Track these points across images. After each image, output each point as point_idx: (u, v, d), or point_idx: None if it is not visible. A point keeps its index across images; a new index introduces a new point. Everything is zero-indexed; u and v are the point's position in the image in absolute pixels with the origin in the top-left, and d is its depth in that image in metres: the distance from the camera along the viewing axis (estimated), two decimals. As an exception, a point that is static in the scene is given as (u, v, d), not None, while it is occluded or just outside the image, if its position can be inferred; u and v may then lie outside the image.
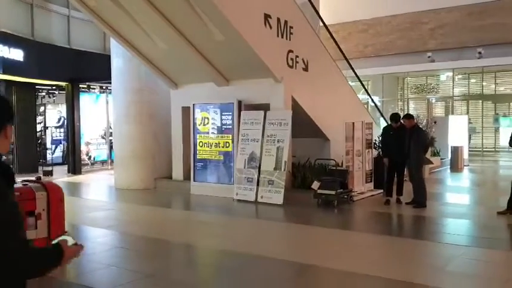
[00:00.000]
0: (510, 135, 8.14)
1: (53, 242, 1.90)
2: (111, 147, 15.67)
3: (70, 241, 1.96)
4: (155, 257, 6.16)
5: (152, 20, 9.09)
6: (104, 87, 16.21)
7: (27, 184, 5.96)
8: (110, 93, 14.22)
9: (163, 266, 5.67)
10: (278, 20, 9.71)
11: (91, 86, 16.10)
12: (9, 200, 1.75)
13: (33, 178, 6.17)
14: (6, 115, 1.84)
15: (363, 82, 15.64)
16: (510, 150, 9.83)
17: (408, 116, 9.33)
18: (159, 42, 9.84)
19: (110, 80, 12.11)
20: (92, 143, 16.64)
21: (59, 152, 16.96)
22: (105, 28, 10.12)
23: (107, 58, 12.40)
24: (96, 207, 9.57)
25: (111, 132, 15.34)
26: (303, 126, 10.21)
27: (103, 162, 16.97)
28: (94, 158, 16.80)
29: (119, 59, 11.56)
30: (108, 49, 13.29)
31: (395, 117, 9.29)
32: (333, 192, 8.93)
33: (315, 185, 9.04)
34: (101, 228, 7.58)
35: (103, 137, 16.91)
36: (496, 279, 5.12)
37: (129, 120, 11.49)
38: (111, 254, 6.23)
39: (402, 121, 9.19)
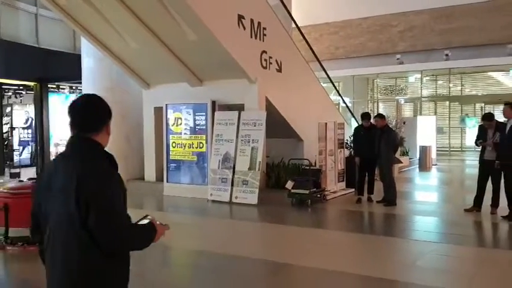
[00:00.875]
0: (476, 134, 8.41)
1: (143, 222, 2.20)
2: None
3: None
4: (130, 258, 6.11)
5: (124, 20, 9.01)
6: (74, 87, 15.94)
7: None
8: (80, 93, 14.00)
9: (137, 268, 5.62)
10: (252, 21, 9.77)
11: (60, 86, 15.80)
12: (121, 183, 2.12)
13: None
14: (107, 113, 2.24)
15: (334, 83, 15.86)
16: (476, 149, 10.15)
17: (380, 116, 9.56)
18: (131, 41, 9.76)
19: (81, 79, 11.93)
20: (61, 144, 16.33)
21: (26, 154, 16.56)
22: (76, 27, 9.97)
23: (78, 57, 12.21)
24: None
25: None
26: (277, 126, 10.29)
27: (73, 164, 16.65)
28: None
29: (90, 58, 11.40)
30: (78, 48, 13.10)
31: (366, 115, 9.55)
32: (306, 192, 9.04)
33: (289, 184, 9.14)
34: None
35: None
36: (464, 274, 5.30)
37: (100, 121, 11.35)
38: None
39: (374, 120, 9.42)
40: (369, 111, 20.95)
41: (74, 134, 2.16)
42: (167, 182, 10.70)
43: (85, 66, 11.64)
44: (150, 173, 11.27)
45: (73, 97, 16.01)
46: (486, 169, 8.11)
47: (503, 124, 8.32)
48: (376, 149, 9.07)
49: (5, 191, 6.38)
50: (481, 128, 8.36)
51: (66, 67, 14.53)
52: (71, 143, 2.16)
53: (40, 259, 2.25)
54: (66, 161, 2.11)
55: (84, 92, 11.86)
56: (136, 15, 8.87)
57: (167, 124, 10.77)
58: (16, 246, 6.07)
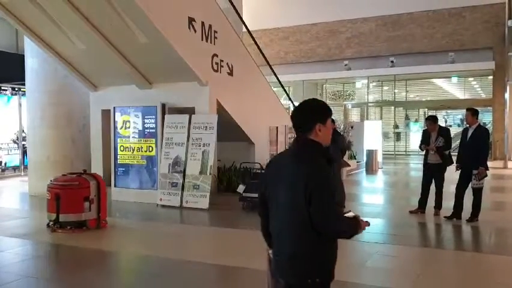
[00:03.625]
0: (420, 139, 8.72)
1: (349, 215, 2.55)
2: (24, 152, 14.80)
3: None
4: (76, 266, 5.92)
5: (71, 20, 8.73)
6: (16, 89, 15.29)
7: (80, 175, 7.47)
8: (23, 95, 13.44)
9: (84, 275, 5.46)
10: (202, 23, 9.72)
11: (2, 88, 15.11)
12: (333, 177, 2.51)
13: (81, 170, 7.77)
14: (315, 114, 2.55)
15: (285, 88, 16.05)
16: (420, 153, 10.55)
17: (331, 120, 9.73)
18: (78, 42, 9.47)
19: (24, 81, 11.46)
20: (2, 148, 15.61)
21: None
22: (18, 26, 9.56)
23: (21, 58, 11.72)
24: (9, 215, 9.00)
25: (24, 137, 14.49)
26: (228, 130, 10.28)
27: (15, 168, 15.97)
28: (5, 164, 15.76)
29: (34, 58, 10.97)
30: (21, 48, 12.58)
31: None
32: (258, 195, 9.05)
33: (241, 188, 9.14)
34: (16, 238, 7.13)
35: (15, 142, 15.92)
36: (409, 273, 5.47)
37: (45, 124, 10.93)
38: (28, 265, 5.90)
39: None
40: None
41: (296, 135, 2.58)
42: (115, 186, 10.43)
43: (28, 67, 11.18)
44: (97, 178, 10.94)
45: (17, 98, 15.43)
46: (430, 172, 8.44)
47: (446, 129, 8.72)
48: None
49: (56, 183, 7.34)
50: (424, 132, 8.68)
51: (8, 67, 13.93)
52: (295, 142, 2.60)
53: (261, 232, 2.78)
54: (294, 157, 2.53)
55: (28, 93, 11.40)
56: (84, 16, 8.62)
57: (115, 127, 10.52)
58: (65, 229, 7.22)
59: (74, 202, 7.21)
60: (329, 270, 2.55)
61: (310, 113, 2.57)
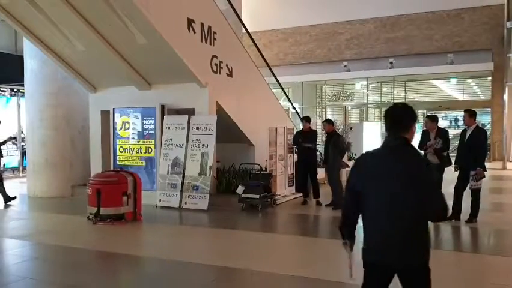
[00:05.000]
0: (420, 139, 8.72)
1: None
2: (23, 154, 14.79)
3: None
4: (75, 267, 5.92)
5: (70, 21, 8.72)
6: (16, 90, 15.29)
7: (118, 172, 8.30)
8: (22, 96, 13.43)
9: (83, 276, 5.46)
10: (202, 25, 9.72)
11: (1, 89, 15.11)
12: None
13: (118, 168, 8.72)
14: (411, 118, 2.87)
15: (284, 89, 16.05)
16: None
17: (328, 121, 9.79)
18: (77, 44, 9.46)
19: (23, 82, 11.46)
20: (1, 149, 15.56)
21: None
22: (18, 27, 9.56)
23: (20, 59, 11.72)
24: (8, 216, 9.00)
25: (23, 138, 14.48)
26: (228, 131, 10.27)
27: (14, 169, 15.96)
28: (4, 165, 15.73)
29: (33, 60, 10.96)
30: (20, 49, 12.58)
31: (305, 118, 10.14)
32: (257, 196, 9.07)
33: (240, 189, 9.14)
34: (15, 239, 7.14)
35: (14, 143, 15.91)
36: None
37: (44, 125, 10.92)
38: (27, 266, 5.90)
39: (321, 125, 9.70)
40: (318, 117, 21.44)
41: (391, 135, 2.86)
42: (114, 187, 10.41)
43: (27, 68, 11.18)
44: (97, 179, 10.92)
45: (16, 100, 15.44)
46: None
47: (444, 131, 8.72)
48: (323, 154, 9.30)
49: (97, 179, 8.05)
50: (424, 133, 8.68)
51: (7, 69, 13.93)
52: (393, 141, 2.84)
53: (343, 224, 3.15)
54: (394, 153, 2.81)
55: (27, 95, 11.40)
56: (83, 17, 8.62)
57: (114, 128, 10.52)
58: (105, 222, 7.86)
59: (114, 197, 7.87)
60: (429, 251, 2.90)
61: (412, 113, 2.89)
